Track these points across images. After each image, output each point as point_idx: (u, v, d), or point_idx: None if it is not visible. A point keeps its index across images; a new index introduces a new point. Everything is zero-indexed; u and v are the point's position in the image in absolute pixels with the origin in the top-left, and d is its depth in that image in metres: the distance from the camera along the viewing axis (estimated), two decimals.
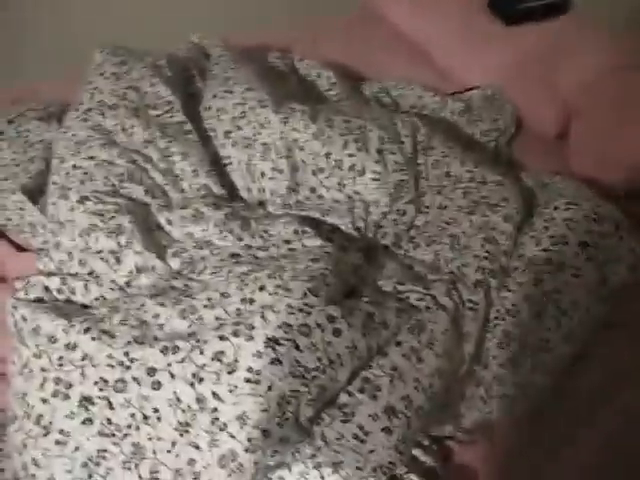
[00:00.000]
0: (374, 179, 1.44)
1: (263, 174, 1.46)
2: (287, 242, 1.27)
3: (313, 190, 1.46)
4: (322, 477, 1.01)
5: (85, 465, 1.00)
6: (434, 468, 1.12)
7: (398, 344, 1.12)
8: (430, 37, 2.08)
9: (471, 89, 1.91)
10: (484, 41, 1.97)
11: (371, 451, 1.02)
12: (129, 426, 1.01)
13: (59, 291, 1.22)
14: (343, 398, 1.07)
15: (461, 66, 1.98)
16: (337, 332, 1.06)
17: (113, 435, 1.01)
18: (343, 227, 1.38)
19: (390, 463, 1.02)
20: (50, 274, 1.25)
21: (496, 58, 1.92)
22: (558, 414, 1.27)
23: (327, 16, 2.35)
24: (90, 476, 0.99)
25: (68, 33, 2.38)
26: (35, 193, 1.50)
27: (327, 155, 1.45)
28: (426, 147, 1.53)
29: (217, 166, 1.47)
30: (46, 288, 1.22)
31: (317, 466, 1.02)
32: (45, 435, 1.02)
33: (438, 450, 1.18)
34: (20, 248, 1.52)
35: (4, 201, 1.51)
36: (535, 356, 1.24)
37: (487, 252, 1.30)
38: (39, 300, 1.20)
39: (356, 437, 1.03)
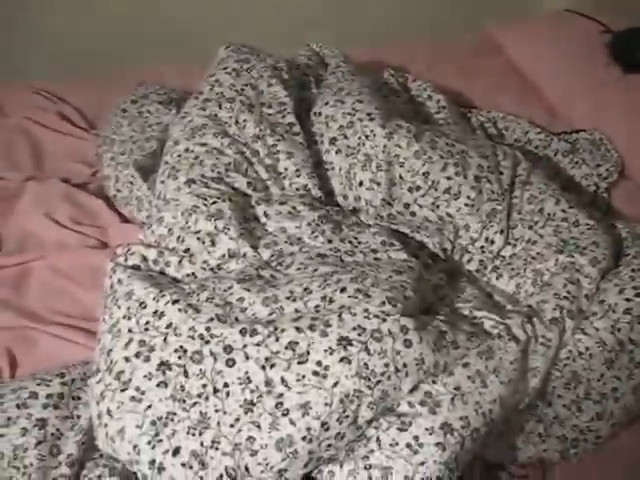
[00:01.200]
0: (467, 204, 1.46)
1: (361, 183, 1.50)
2: (374, 251, 1.31)
3: (407, 206, 1.50)
4: (371, 479, 1.04)
5: (154, 423, 1.06)
6: None
7: (465, 365, 1.13)
8: (545, 74, 2.09)
9: (579, 131, 1.90)
10: (599, 85, 1.96)
11: (422, 463, 1.04)
12: (199, 395, 1.07)
13: (155, 262, 1.29)
14: (403, 407, 1.09)
15: (572, 106, 1.98)
16: (408, 343, 1.09)
17: (183, 401, 1.07)
18: (430, 246, 1.42)
19: (438, 478, 1.04)
20: (149, 246, 1.33)
21: (608, 104, 1.91)
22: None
23: (447, 38, 2.40)
24: (157, 434, 1.05)
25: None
26: (146, 170, 1.59)
27: (425, 174, 1.48)
28: (524, 181, 1.54)
29: (318, 169, 1.53)
30: (144, 258, 1.29)
31: (368, 467, 1.05)
32: (122, 390, 1.09)
33: (488, 477, 1.20)
34: (124, 219, 1.63)
35: (118, 174, 1.62)
36: (601, 403, 1.24)
37: (568, 292, 1.30)
38: (136, 267, 1.28)
39: (409, 447, 1.05)
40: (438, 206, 1.48)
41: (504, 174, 1.52)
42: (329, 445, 1.05)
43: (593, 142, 1.85)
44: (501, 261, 1.45)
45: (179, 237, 1.32)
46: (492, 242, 1.46)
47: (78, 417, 1.16)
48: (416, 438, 1.06)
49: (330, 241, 1.33)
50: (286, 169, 1.47)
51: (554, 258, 1.38)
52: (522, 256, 1.43)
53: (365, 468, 1.05)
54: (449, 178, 1.47)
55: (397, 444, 1.06)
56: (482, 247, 1.46)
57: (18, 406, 1.15)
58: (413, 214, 1.50)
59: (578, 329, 1.28)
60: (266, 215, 1.38)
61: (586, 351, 1.25)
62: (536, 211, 1.50)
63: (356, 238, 1.35)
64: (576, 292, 1.31)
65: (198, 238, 1.30)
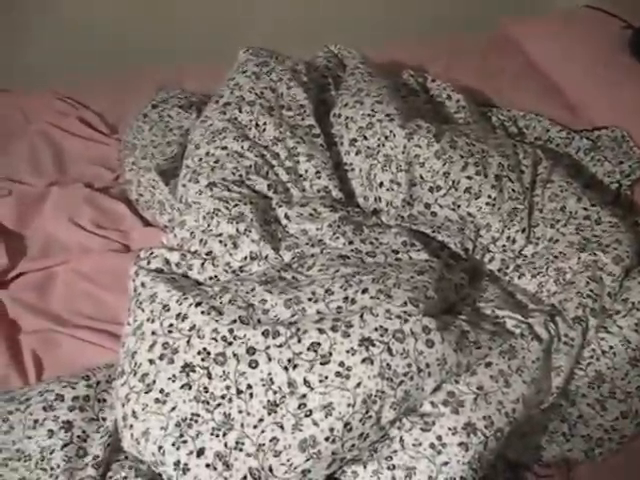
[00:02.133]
0: (488, 204, 1.46)
1: (381, 184, 1.51)
2: (395, 252, 1.31)
3: (427, 206, 1.50)
4: (394, 479, 1.04)
5: (178, 425, 1.07)
6: None
7: (488, 365, 1.13)
8: (565, 71, 2.08)
9: (600, 128, 1.89)
10: (620, 81, 1.95)
11: (445, 463, 1.04)
12: (223, 397, 1.07)
13: (177, 265, 1.30)
14: (426, 407, 1.09)
15: (592, 103, 1.97)
16: (430, 343, 1.09)
17: (207, 403, 1.07)
18: (452, 246, 1.41)
19: (462, 478, 1.04)
20: (172, 249, 1.34)
21: (629, 100, 1.90)
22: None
23: (464, 34, 2.40)
24: (181, 436, 1.06)
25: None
26: (168, 174, 1.61)
27: (445, 174, 1.47)
28: (545, 180, 1.54)
29: (338, 171, 1.54)
30: (166, 261, 1.30)
31: (391, 468, 1.05)
32: (147, 392, 1.10)
33: (512, 477, 1.20)
34: (146, 222, 1.64)
35: (140, 178, 1.63)
36: (626, 402, 1.23)
37: (591, 291, 1.29)
38: (159, 271, 1.29)
39: (432, 447, 1.05)
40: (459, 206, 1.48)
41: (525, 173, 1.52)
42: (352, 446, 1.05)
43: (615, 139, 1.84)
44: (523, 260, 1.45)
45: (201, 240, 1.33)
46: (514, 241, 1.45)
47: (104, 419, 1.18)
48: (439, 438, 1.06)
49: (351, 242, 1.33)
50: (306, 171, 1.48)
51: (576, 256, 1.37)
52: (544, 255, 1.42)
53: (388, 468, 1.06)
54: (470, 177, 1.47)
55: (420, 444, 1.06)
56: (504, 246, 1.46)
57: (44, 408, 1.16)
58: (434, 214, 1.50)
59: (601, 328, 1.27)
60: (287, 217, 1.38)
61: (610, 350, 1.25)
62: (558, 209, 1.49)
63: (377, 239, 1.35)
64: (599, 290, 1.30)
65: (220, 241, 1.31)
